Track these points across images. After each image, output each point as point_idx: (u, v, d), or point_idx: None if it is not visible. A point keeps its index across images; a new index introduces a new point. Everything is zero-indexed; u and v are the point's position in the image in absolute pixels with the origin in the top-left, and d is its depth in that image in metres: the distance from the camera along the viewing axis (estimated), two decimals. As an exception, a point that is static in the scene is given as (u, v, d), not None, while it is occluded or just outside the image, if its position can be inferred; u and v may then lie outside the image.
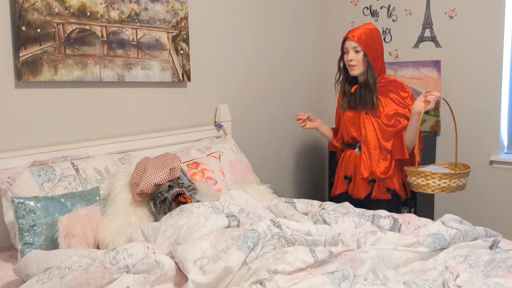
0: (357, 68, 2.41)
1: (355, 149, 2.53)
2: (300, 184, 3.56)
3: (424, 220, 1.95)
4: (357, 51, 2.38)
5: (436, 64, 3.21)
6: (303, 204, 2.20)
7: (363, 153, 2.45)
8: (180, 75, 2.62)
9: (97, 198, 2.03)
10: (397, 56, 3.41)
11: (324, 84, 3.64)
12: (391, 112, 2.40)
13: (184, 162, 2.24)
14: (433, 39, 3.25)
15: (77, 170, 2.08)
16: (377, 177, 2.43)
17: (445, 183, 2.13)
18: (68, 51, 2.13)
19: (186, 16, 2.62)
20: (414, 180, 2.19)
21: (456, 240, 1.73)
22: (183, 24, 2.61)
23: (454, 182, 2.13)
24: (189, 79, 2.67)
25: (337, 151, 2.72)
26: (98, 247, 1.81)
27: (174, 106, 2.65)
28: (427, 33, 3.27)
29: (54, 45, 2.08)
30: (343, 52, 2.46)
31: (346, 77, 2.51)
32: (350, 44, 2.40)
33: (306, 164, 3.56)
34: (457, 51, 3.16)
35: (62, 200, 1.90)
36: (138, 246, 1.48)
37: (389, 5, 3.42)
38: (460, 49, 3.15)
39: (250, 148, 3.05)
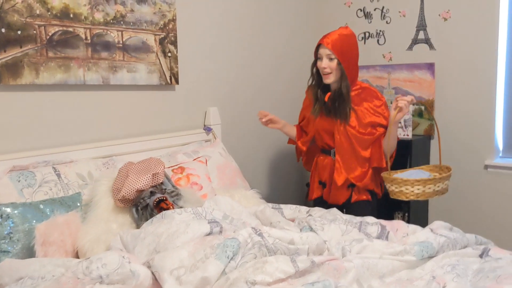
0: (331, 76, 2.33)
1: (329, 155, 2.48)
2: (291, 189, 3.51)
3: (413, 227, 1.90)
4: (331, 59, 2.29)
5: (430, 66, 3.16)
6: (290, 210, 2.15)
7: (337, 161, 2.39)
8: (168, 78, 2.57)
9: (78, 204, 1.98)
10: (390, 59, 3.37)
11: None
12: (366, 121, 2.35)
13: (169, 167, 2.20)
14: (427, 41, 3.20)
15: (58, 175, 2.03)
16: (355, 184, 2.41)
17: (418, 189, 2.07)
18: (51, 54, 2.08)
19: (174, 18, 2.57)
20: (389, 187, 2.16)
21: (445, 248, 1.67)
22: (171, 26, 2.56)
23: (430, 188, 2.07)
24: (177, 82, 2.62)
25: (301, 152, 2.63)
26: (77, 256, 1.76)
27: (161, 110, 2.60)
28: (421, 35, 3.22)
29: (36, 48, 2.03)
30: (317, 57, 2.37)
31: (319, 83, 2.43)
32: (324, 51, 2.30)
33: (297, 169, 3.51)
34: (451, 54, 3.11)
35: (41, 206, 1.85)
36: (112, 255, 1.43)
37: (383, 7, 3.37)
38: (454, 51, 3.10)
39: (240, 152, 3.00)
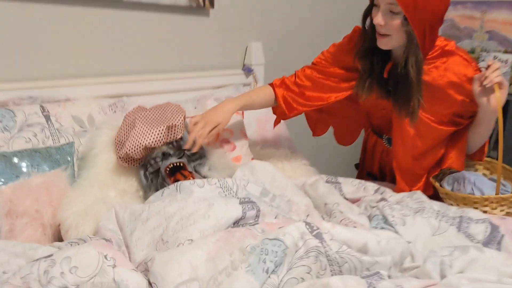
0: (387, 41, 1.41)
1: (381, 138, 1.73)
2: (350, 156, 2.91)
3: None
4: (392, 13, 1.35)
5: (543, 5, 2.42)
6: (352, 186, 1.59)
7: (395, 162, 1.61)
8: (201, -1, 1.98)
9: (69, 159, 1.48)
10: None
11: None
12: (446, 110, 1.50)
13: (192, 117, 1.64)
14: (542, -29, 2.44)
15: (47, 117, 1.54)
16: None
17: (502, 210, 1.39)
18: (41, -49, 1.52)
19: None
20: (446, 200, 1.48)
21: None
22: None
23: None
24: (212, 5, 2.04)
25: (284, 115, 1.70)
26: (59, 234, 1.29)
27: (189, 40, 2.04)
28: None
29: None
30: (372, 3, 1.42)
31: (373, 45, 1.47)
32: None
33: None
34: None
35: (15, 159, 1.37)
36: (88, 252, 0.92)
37: None
38: None
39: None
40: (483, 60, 2.47)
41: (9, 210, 1.22)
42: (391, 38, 1.40)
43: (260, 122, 1.93)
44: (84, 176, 1.43)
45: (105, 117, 1.65)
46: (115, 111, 1.70)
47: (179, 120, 1.44)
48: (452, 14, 2.70)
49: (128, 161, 1.44)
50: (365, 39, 1.50)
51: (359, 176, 1.89)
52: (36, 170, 1.35)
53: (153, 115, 1.47)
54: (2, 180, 1.30)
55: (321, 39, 2.60)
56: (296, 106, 1.64)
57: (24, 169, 1.35)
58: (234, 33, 2.21)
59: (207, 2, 2.01)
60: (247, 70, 2.22)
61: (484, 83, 1.37)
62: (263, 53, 2.28)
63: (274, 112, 1.73)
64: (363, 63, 1.52)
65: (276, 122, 1.76)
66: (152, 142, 1.40)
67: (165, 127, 1.42)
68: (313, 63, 1.69)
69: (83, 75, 1.72)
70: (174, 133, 1.43)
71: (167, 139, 1.43)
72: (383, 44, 1.44)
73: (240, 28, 2.23)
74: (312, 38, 2.58)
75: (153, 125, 1.42)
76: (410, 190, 1.56)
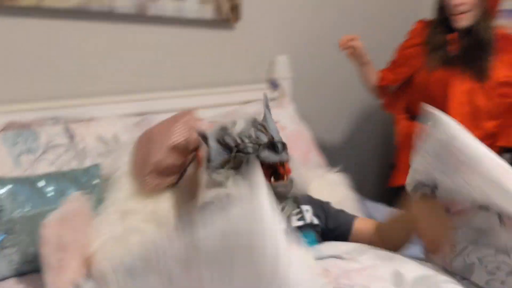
0: (467, 16, 1.72)
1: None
2: (372, 170, 2.80)
3: None
4: None
5: None
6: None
7: None
8: (227, 12, 1.93)
9: (96, 181, 1.42)
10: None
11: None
12: (502, 79, 1.77)
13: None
14: None
15: (71, 137, 1.50)
16: None
17: None
18: (65, -35, 1.48)
19: None
20: None
21: None
22: None
23: None
24: (238, 19, 1.98)
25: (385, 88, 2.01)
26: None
27: (215, 54, 1.99)
28: None
29: (44, -45, 1.43)
30: None
31: (445, 25, 1.80)
32: None
33: (383, 144, 2.80)
34: None
35: (42, 183, 1.30)
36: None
37: None
38: None
39: (315, 117, 2.32)
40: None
41: (58, 245, 1.13)
42: (470, 14, 1.71)
43: (290, 137, 1.83)
44: (110, 201, 1.36)
45: (131, 135, 1.59)
46: (140, 129, 1.63)
47: (189, 116, 1.40)
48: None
49: (161, 173, 1.35)
50: (438, 19, 1.82)
51: (399, 170, 1.93)
52: (63, 195, 1.28)
53: (162, 124, 1.43)
54: (30, 205, 1.23)
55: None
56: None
57: (51, 194, 1.29)
58: (260, 46, 2.15)
59: (233, 16, 1.95)
60: (273, 85, 2.14)
61: None
62: (289, 67, 2.20)
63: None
64: (431, 40, 1.83)
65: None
66: (178, 137, 1.33)
67: (180, 122, 1.36)
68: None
69: (107, 93, 1.69)
70: (191, 123, 1.38)
71: (188, 132, 1.35)
72: (461, 21, 1.72)
73: (266, 42, 2.17)
74: (339, 51, 2.50)
75: (169, 127, 1.36)
76: None
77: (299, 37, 2.30)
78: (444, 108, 1.72)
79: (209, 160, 1.22)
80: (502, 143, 1.78)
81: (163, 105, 1.76)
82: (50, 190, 1.30)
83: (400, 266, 0.97)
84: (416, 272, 0.96)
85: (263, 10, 2.11)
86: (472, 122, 1.76)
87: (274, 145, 1.15)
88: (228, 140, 1.21)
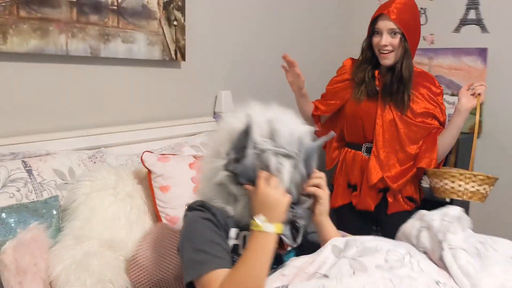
0: (391, 56, 1.91)
1: (359, 150, 2.05)
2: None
3: None
4: (394, 33, 1.88)
5: (482, 52, 2.70)
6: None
7: (373, 155, 1.98)
8: (173, 52, 2.09)
9: (55, 212, 1.51)
10: (433, 42, 2.89)
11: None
12: (419, 110, 1.96)
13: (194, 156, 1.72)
14: (478, 22, 2.72)
15: (30, 171, 1.57)
16: (389, 186, 1.98)
17: (473, 187, 1.80)
18: (23, 13, 1.60)
19: (183, -23, 2.08)
20: (436, 183, 1.88)
21: None
22: (178, -13, 2.07)
23: (484, 189, 1.81)
24: (183, 58, 2.15)
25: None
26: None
27: (163, 91, 2.13)
28: (472, 14, 2.74)
29: (3, 4, 1.55)
30: (372, 32, 1.95)
31: (371, 63, 2.00)
32: (385, 25, 1.89)
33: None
34: (508, 38, 2.63)
35: (3, 215, 1.39)
36: None
37: (426, -20, 2.90)
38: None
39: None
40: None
41: (16, 268, 1.23)
42: (393, 54, 1.91)
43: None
44: (68, 229, 1.46)
45: (85, 168, 1.69)
46: (94, 162, 1.74)
47: None
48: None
49: None
50: (363, 58, 2.02)
51: (335, 193, 2.11)
52: (24, 225, 1.37)
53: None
54: (-7, 237, 1.32)
55: (287, 87, 2.76)
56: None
57: (13, 224, 1.38)
58: (204, 82, 2.32)
59: (179, 55, 2.12)
60: (218, 117, 2.32)
61: (471, 87, 1.87)
62: (232, 101, 2.39)
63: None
64: (358, 76, 2.02)
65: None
66: None
67: None
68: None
69: (61, 129, 1.77)
70: None
71: None
72: (388, 59, 1.92)
73: (210, 78, 2.34)
74: (278, 86, 2.72)
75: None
76: (381, 177, 1.97)
77: (239, 73, 2.50)
78: (372, 134, 1.98)
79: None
80: (421, 164, 1.96)
81: (116, 138, 1.88)
82: (11, 221, 1.39)
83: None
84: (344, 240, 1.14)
85: (205, 51, 2.29)
86: (397, 146, 1.97)
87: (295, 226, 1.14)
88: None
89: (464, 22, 2.78)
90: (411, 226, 1.33)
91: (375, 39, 1.93)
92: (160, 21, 2.02)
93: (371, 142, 2.01)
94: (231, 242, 1.14)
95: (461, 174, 1.81)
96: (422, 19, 2.92)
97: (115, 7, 1.85)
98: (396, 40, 1.88)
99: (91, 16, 1.78)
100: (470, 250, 1.25)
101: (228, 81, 2.44)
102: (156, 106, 2.11)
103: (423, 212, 1.40)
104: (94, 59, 1.84)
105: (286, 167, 1.10)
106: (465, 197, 1.81)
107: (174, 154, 1.79)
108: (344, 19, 3.20)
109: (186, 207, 1.19)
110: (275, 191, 1.08)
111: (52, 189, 1.58)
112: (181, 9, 2.10)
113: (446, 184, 1.84)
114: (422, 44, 2.89)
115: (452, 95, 2.79)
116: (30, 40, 1.62)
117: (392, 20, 1.86)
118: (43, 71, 1.71)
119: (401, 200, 2.01)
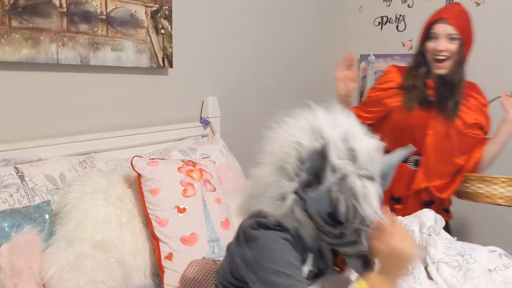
0: (447, 65, 1.85)
1: (406, 162, 1.98)
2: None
3: None
4: (452, 39, 1.83)
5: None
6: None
7: (422, 166, 1.95)
8: (160, 60, 2.15)
9: (47, 216, 1.56)
10: (411, 48, 2.98)
11: (331, 77, 3.19)
12: (471, 121, 1.93)
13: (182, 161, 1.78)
14: (454, 29, 2.82)
15: (22, 177, 1.61)
16: (436, 196, 1.96)
17: (508, 190, 1.80)
18: (15, 23, 1.64)
19: (170, -13, 2.15)
20: (468, 188, 1.90)
21: None
22: (165, -3, 2.13)
23: None
24: (171, 65, 2.20)
25: None
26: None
27: (151, 98, 2.18)
28: (448, 22, 2.84)
29: (-5, 14, 1.59)
30: (427, 37, 1.89)
31: (423, 69, 1.92)
32: (444, 29, 1.82)
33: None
34: (483, 44, 2.74)
35: (-4, 220, 1.43)
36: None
37: (404, -12, 3.00)
38: (487, 41, 2.73)
39: (242, 151, 2.57)
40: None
41: (11, 270, 1.28)
42: (449, 61, 1.84)
43: (221, 170, 2.06)
44: (61, 232, 1.51)
45: (76, 173, 1.74)
46: (85, 167, 1.79)
47: None
48: (383, 65, 3.04)
49: None
50: (416, 64, 1.94)
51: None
52: (17, 229, 1.42)
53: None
54: (-11, 241, 1.36)
55: (271, 93, 2.83)
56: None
57: (7, 229, 1.42)
58: (191, 89, 2.37)
59: (166, 62, 2.18)
60: (205, 123, 2.37)
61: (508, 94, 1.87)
62: (218, 107, 2.45)
63: None
64: (408, 83, 1.93)
65: None
66: None
67: None
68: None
69: (52, 135, 1.81)
70: None
71: None
72: (442, 69, 1.86)
73: (197, 85, 2.40)
74: (263, 92, 2.79)
75: None
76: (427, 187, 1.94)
77: (225, 80, 2.56)
78: (422, 144, 1.91)
79: None
80: (465, 172, 1.96)
81: (105, 144, 1.92)
82: (5, 225, 1.44)
83: None
84: None
85: (191, 59, 2.34)
86: (446, 158, 1.92)
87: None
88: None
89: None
90: None
91: (430, 44, 1.86)
92: (148, 29, 2.07)
93: (419, 154, 1.94)
94: (306, 268, 1.07)
95: (495, 178, 1.82)
96: (401, 26, 3.03)
97: (104, 17, 1.91)
98: (454, 46, 1.83)
99: (81, 26, 1.83)
100: (451, 263, 1.34)
101: (214, 87, 2.49)
102: (145, 112, 2.16)
103: (399, 218, 1.46)
104: (84, 67, 1.89)
105: (371, 191, 0.96)
106: (501, 201, 1.81)
107: (163, 159, 1.84)
108: (330, 29, 3.29)
109: (250, 223, 1.09)
110: (404, 242, 0.94)
111: (44, 194, 1.63)
112: (168, 18, 2.16)
113: (480, 188, 1.83)
114: (400, 50, 3.02)
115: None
116: (22, 49, 1.67)
117: (452, 25, 1.81)
118: (35, 79, 1.75)
119: (442, 212, 1.94)
